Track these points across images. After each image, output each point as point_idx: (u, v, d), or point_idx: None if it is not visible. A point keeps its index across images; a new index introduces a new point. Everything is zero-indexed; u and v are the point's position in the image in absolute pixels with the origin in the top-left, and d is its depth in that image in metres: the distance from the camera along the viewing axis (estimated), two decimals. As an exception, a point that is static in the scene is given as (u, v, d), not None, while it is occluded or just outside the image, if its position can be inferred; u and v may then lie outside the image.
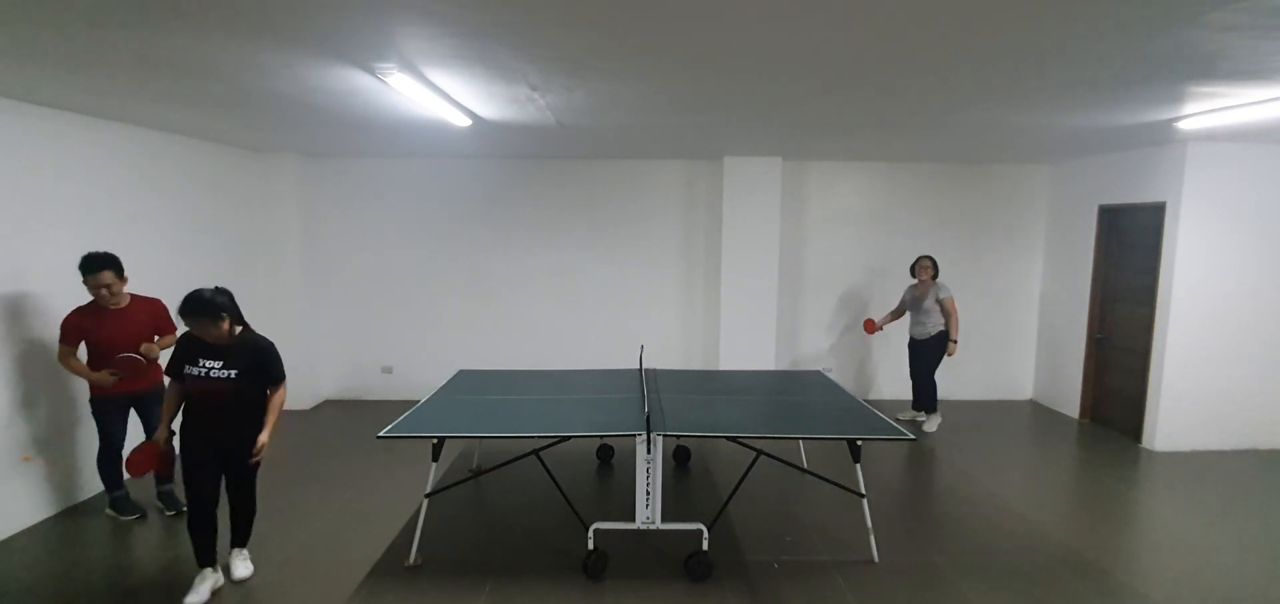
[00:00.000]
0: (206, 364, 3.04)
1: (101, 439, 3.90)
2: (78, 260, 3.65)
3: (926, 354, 5.92)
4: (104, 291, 3.67)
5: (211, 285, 3.11)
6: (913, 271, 6.00)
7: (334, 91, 3.59)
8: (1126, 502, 4.45)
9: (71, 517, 4.06)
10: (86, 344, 3.73)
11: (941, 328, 5.82)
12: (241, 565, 3.38)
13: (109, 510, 4.04)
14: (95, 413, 3.86)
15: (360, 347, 6.87)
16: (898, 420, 5.67)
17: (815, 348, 7.01)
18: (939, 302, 5.78)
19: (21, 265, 3.89)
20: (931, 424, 5.95)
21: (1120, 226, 6.00)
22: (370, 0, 2.25)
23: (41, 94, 3.71)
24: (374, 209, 6.71)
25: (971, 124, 4.47)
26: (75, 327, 3.69)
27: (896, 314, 6.19)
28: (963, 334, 6.89)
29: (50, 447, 4.06)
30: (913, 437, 3.58)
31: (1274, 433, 5.49)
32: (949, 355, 5.82)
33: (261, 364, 3.14)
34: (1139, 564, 3.65)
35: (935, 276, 5.91)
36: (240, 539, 3.40)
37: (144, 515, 4.06)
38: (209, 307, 2.97)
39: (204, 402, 3.07)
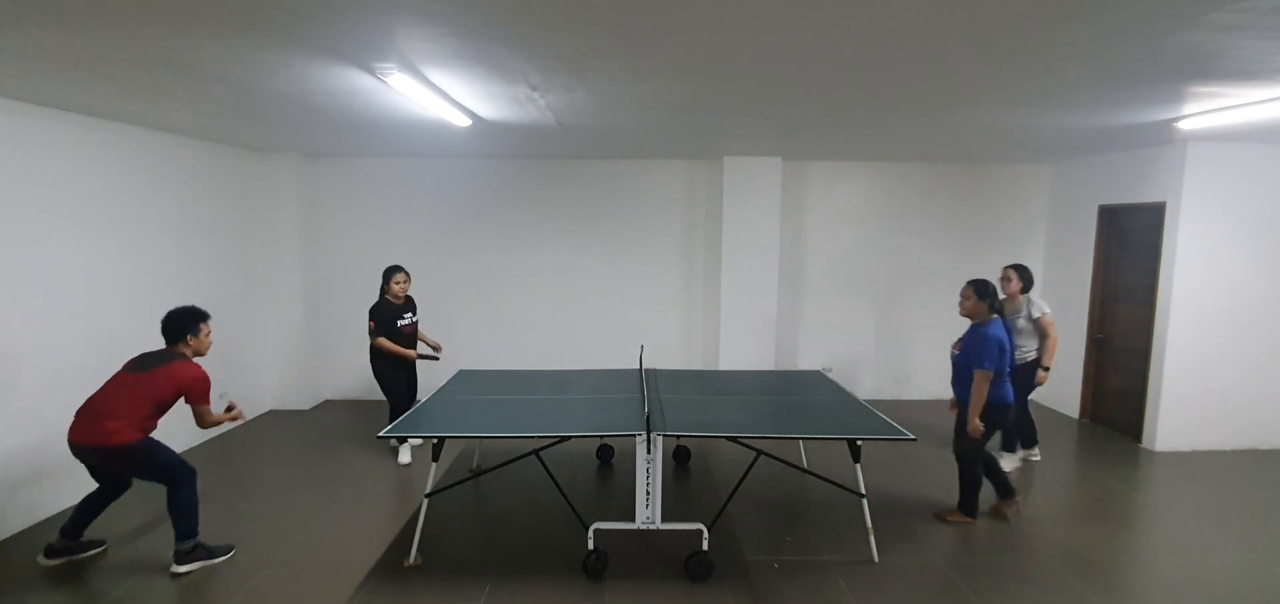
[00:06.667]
0: (407, 315, 5.09)
1: (183, 469, 3.47)
2: (186, 313, 3.52)
3: (1018, 383, 4.61)
4: (210, 342, 3.63)
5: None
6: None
7: (334, 91, 3.59)
8: (1126, 502, 4.45)
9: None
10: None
11: (1036, 354, 4.76)
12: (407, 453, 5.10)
13: (184, 565, 3.44)
14: (160, 451, 3.46)
15: (361, 346, 6.85)
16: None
17: (815, 348, 7.00)
18: (1034, 320, 4.73)
19: (21, 265, 3.89)
20: (1035, 453, 5.10)
21: (1120, 226, 6.00)
22: (370, 0, 2.25)
23: (42, 94, 3.71)
24: (374, 209, 6.71)
25: (971, 124, 4.47)
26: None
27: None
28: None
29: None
30: (913, 437, 3.58)
31: (1274, 433, 5.49)
32: (1039, 384, 4.77)
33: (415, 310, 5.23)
34: (1139, 564, 3.65)
35: (1026, 289, 4.83)
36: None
37: (233, 550, 3.65)
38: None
39: (406, 339, 5.06)
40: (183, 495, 3.44)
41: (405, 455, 5.11)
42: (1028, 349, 4.79)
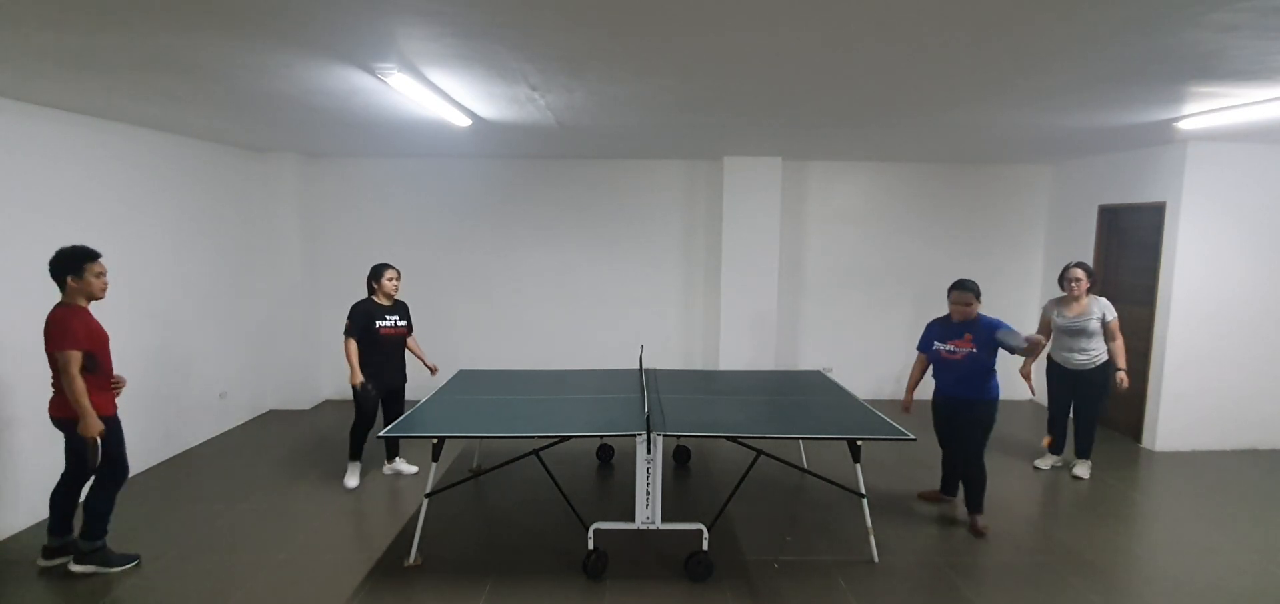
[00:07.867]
0: (390, 318, 4.56)
1: (121, 469, 3.42)
2: (64, 251, 3.20)
3: (1090, 389, 4.66)
4: (103, 283, 3.29)
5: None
6: (1062, 283, 4.65)
7: (334, 91, 3.59)
8: (1126, 502, 4.45)
9: None
10: (81, 354, 3.18)
11: (1108, 357, 4.59)
12: (406, 466, 4.84)
13: (81, 565, 3.38)
14: (116, 438, 3.38)
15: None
16: (1036, 469, 4.99)
17: (815, 348, 7.00)
18: (1106, 324, 4.53)
19: (21, 265, 3.88)
20: (1084, 470, 4.84)
21: (1120, 226, 6.00)
22: (370, 0, 2.25)
23: (41, 94, 3.71)
24: (374, 209, 6.71)
25: (971, 124, 4.47)
26: (84, 329, 3.17)
27: (1039, 343, 4.44)
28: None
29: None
30: (913, 437, 3.58)
31: (1274, 433, 5.49)
32: (1122, 388, 4.57)
33: (406, 315, 4.72)
34: (1139, 564, 3.65)
35: (1093, 288, 4.63)
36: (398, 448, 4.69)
37: (139, 560, 3.53)
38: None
39: (387, 344, 4.54)
40: (103, 494, 3.40)
41: (351, 479, 4.58)
42: (1097, 352, 4.59)
